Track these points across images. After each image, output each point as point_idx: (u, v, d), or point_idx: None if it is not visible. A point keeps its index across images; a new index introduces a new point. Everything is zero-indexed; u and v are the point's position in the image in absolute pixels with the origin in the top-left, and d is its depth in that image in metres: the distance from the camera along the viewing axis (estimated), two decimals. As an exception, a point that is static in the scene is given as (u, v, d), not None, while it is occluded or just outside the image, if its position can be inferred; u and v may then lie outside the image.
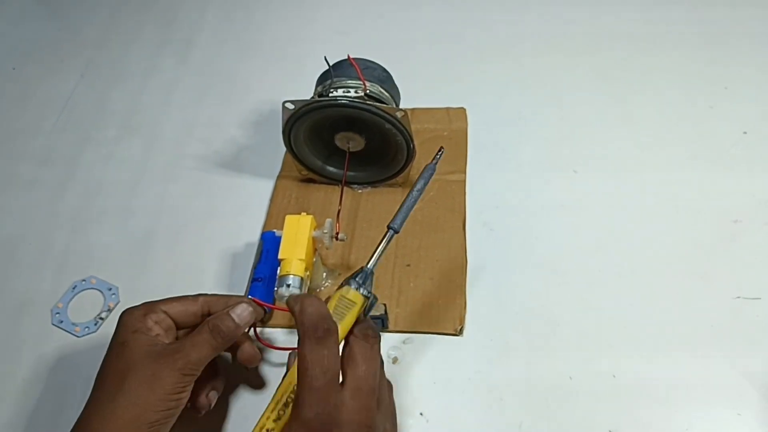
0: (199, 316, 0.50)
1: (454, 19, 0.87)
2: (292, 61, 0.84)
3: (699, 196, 0.65)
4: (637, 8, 0.85)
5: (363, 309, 0.43)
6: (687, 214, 0.64)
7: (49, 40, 0.93)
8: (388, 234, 0.45)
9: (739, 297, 0.57)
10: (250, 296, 0.58)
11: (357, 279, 0.43)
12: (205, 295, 0.51)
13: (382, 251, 0.45)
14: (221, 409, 0.54)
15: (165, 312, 0.49)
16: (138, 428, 0.43)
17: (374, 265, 0.44)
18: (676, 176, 0.67)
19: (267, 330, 0.59)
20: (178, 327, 0.50)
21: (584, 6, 0.86)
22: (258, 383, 0.56)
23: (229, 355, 0.54)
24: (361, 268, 0.44)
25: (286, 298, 0.52)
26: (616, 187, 0.66)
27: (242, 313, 0.49)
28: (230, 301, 0.51)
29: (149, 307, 0.49)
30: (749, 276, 0.59)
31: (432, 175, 0.48)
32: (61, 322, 0.61)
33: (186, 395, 0.46)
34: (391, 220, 0.46)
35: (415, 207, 0.47)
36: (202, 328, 0.47)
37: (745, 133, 0.70)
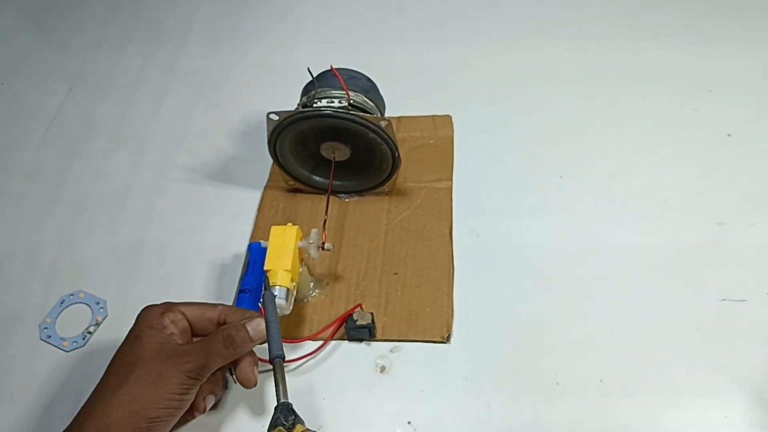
0: (215, 324, 0.51)
1: (439, 27, 0.88)
2: (279, 72, 0.84)
3: (684, 198, 0.65)
4: (621, 14, 0.86)
5: None
6: (672, 216, 0.64)
7: (37, 53, 0.93)
8: (277, 362, 0.48)
9: (725, 299, 0.58)
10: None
11: (288, 419, 0.45)
12: (224, 305, 0.52)
13: (283, 379, 0.48)
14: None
15: (183, 313, 0.50)
16: (137, 422, 0.44)
17: (286, 396, 0.47)
18: (661, 179, 0.67)
19: (255, 341, 0.58)
20: (194, 331, 0.51)
21: (569, 12, 0.87)
22: (257, 408, 0.55)
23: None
24: (276, 407, 0.46)
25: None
26: (602, 191, 0.67)
27: (257, 327, 0.49)
28: (246, 314, 0.52)
29: (168, 306, 0.50)
30: (735, 278, 0.59)
31: (274, 299, 0.51)
32: (50, 336, 0.61)
33: (190, 398, 0.47)
34: (270, 351, 0.48)
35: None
36: (216, 336, 0.48)
37: (729, 135, 0.70)
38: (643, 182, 0.67)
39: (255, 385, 0.50)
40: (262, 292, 0.52)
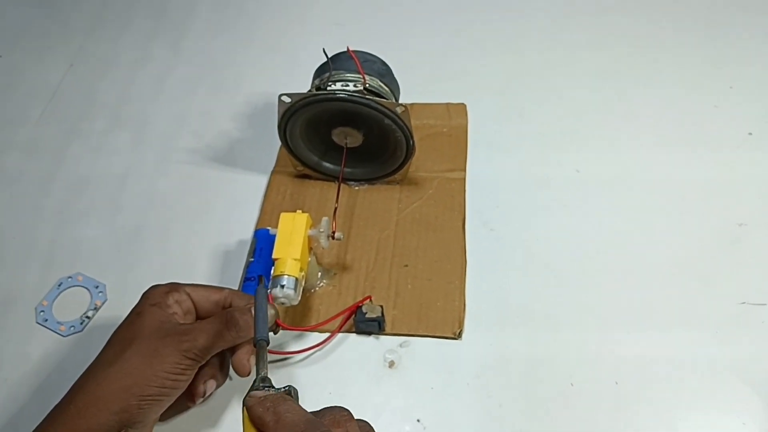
0: (220, 307, 0.50)
1: (455, 12, 0.85)
2: (287, 52, 0.82)
3: (703, 197, 0.63)
4: (641, 5, 0.83)
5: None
6: (691, 215, 0.62)
7: (37, 27, 0.90)
8: (260, 345, 0.41)
9: (744, 302, 0.56)
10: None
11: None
12: (231, 289, 0.51)
13: (264, 359, 0.41)
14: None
15: (188, 294, 0.49)
16: (128, 398, 0.43)
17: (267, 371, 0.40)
18: (679, 177, 0.65)
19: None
20: (198, 314, 0.50)
21: (587, 4, 0.84)
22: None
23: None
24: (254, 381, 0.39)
25: (280, 299, 0.50)
26: (619, 187, 0.65)
27: None
28: (253, 299, 0.49)
29: (174, 286, 0.49)
30: (754, 281, 0.57)
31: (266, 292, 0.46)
32: (46, 320, 0.59)
33: (186, 379, 0.45)
34: (256, 332, 0.42)
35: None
36: (219, 317, 0.47)
37: (750, 134, 0.68)
38: (662, 180, 0.65)
39: (249, 373, 0.49)
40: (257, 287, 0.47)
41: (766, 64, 0.75)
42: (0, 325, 0.59)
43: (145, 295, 0.49)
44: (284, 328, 0.53)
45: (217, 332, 0.46)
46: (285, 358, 0.55)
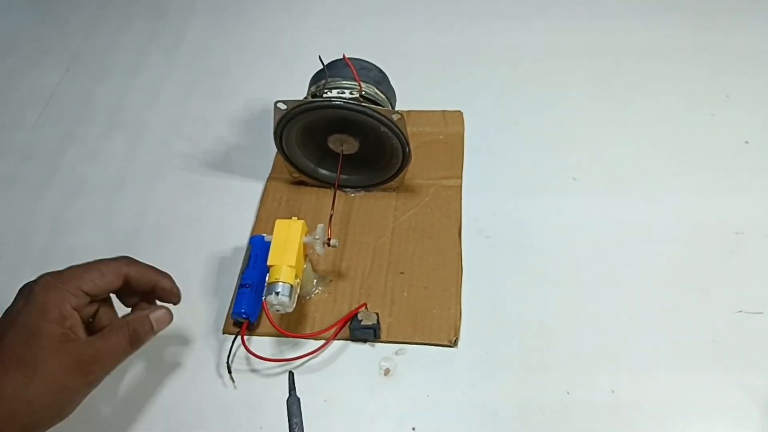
0: (116, 290, 0.49)
1: (452, 20, 0.86)
2: (283, 59, 0.82)
3: (700, 206, 0.63)
4: (638, 15, 0.84)
5: None
6: (687, 224, 0.62)
7: (33, 32, 0.90)
8: None
9: (741, 311, 0.56)
10: (237, 303, 0.56)
11: None
12: (128, 262, 0.49)
13: None
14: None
15: (86, 293, 0.46)
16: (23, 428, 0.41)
17: None
18: (676, 185, 0.65)
19: (254, 339, 0.56)
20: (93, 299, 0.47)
21: (585, 11, 0.85)
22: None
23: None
24: None
25: (275, 306, 0.50)
26: (616, 195, 0.65)
27: (161, 319, 0.48)
28: (152, 278, 0.50)
29: (70, 290, 0.45)
30: (751, 290, 0.57)
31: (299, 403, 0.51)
32: (39, 326, 0.58)
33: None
34: None
35: None
36: (121, 334, 0.45)
37: (746, 142, 0.68)
38: (659, 188, 0.65)
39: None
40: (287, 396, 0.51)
41: (762, 74, 0.75)
42: (-7, 331, 0.59)
43: (36, 300, 0.43)
44: (284, 334, 0.54)
45: (122, 351, 0.45)
46: (281, 366, 0.54)
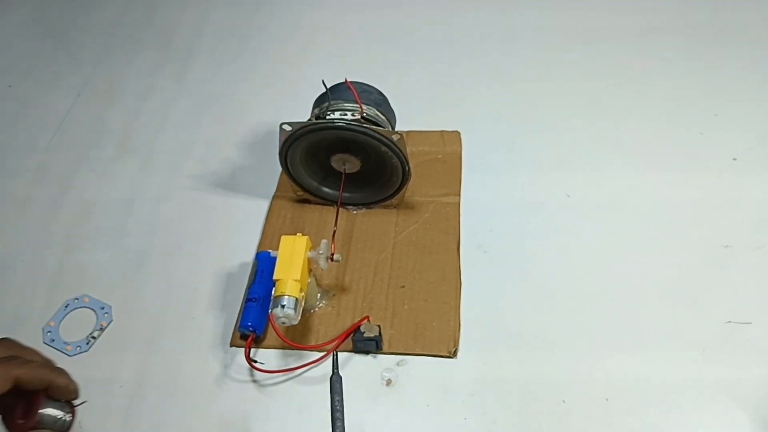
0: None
1: (449, 44, 0.89)
2: (288, 84, 0.85)
3: (690, 220, 0.66)
4: (629, 39, 0.87)
5: None
6: (678, 238, 0.64)
7: (46, 58, 0.93)
8: None
9: (730, 321, 0.58)
10: (243, 316, 0.58)
11: None
12: (19, 364, 0.44)
13: None
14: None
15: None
16: None
17: None
18: (667, 201, 0.68)
19: (260, 351, 0.58)
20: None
21: (578, 34, 0.88)
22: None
23: None
24: None
25: (281, 319, 0.52)
26: (609, 211, 0.67)
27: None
28: (45, 377, 0.44)
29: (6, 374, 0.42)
30: (740, 301, 0.59)
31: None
32: (53, 340, 0.60)
33: None
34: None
35: None
36: None
37: (734, 159, 0.71)
38: (650, 204, 0.67)
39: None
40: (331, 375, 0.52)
41: (749, 93, 0.78)
42: (8, 345, 0.61)
43: None
44: (290, 345, 0.55)
45: None
46: (286, 376, 0.56)
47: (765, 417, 0.52)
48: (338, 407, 0.50)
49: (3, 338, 0.46)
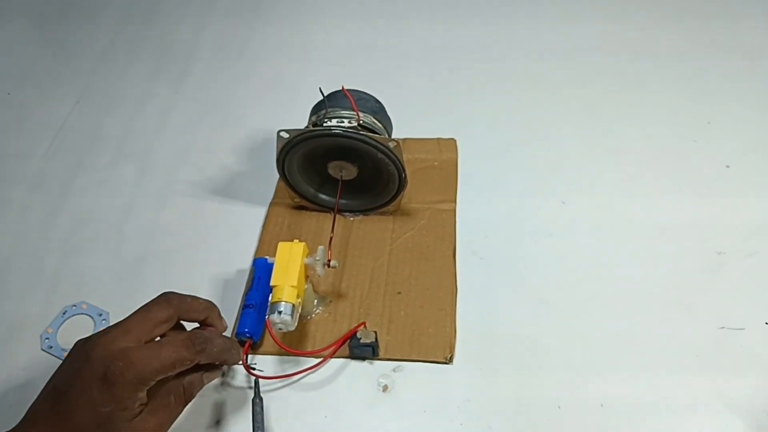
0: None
1: (445, 52, 0.89)
2: (285, 91, 0.85)
3: (683, 227, 0.66)
4: (622, 46, 0.88)
5: None
6: (672, 245, 0.65)
7: (45, 65, 0.93)
8: None
9: (723, 327, 0.58)
10: (240, 323, 0.58)
11: None
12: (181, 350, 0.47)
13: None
14: None
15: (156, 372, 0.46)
16: None
17: None
18: (660, 208, 0.68)
19: (257, 357, 0.59)
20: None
21: (572, 42, 0.89)
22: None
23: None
24: None
25: (278, 325, 0.52)
26: (603, 218, 0.68)
27: (213, 375, 0.52)
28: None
29: (145, 378, 0.44)
30: (733, 307, 0.60)
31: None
32: (51, 347, 0.60)
33: None
34: None
35: None
36: (178, 398, 0.48)
37: (727, 166, 0.71)
38: (643, 211, 0.68)
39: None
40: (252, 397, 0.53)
41: (742, 101, 0.79)
42: (6, 351, 0.61)
43: (114, 385, 0.43)
44: (287, 351, 0.56)
45: (177, 415, 0.48)
46: (282, 382, 0.57)
47: (759, 422, 0.52)
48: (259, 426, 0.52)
49: (163, 294, 0.51)
